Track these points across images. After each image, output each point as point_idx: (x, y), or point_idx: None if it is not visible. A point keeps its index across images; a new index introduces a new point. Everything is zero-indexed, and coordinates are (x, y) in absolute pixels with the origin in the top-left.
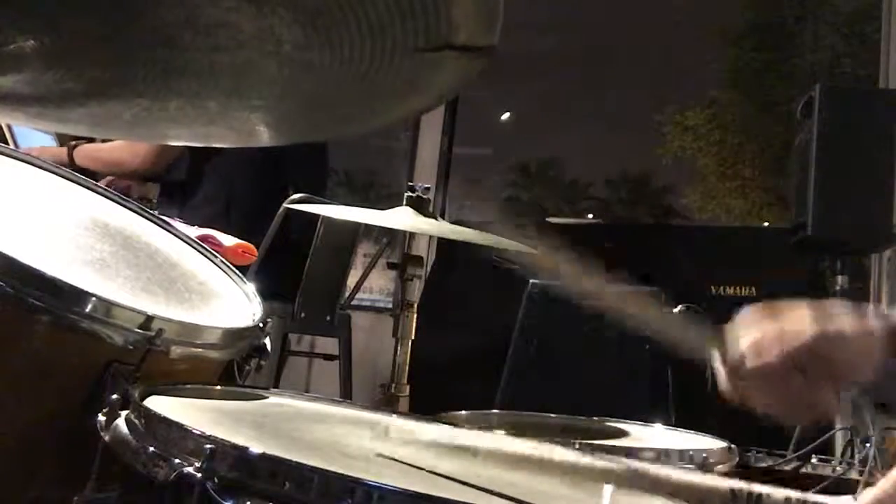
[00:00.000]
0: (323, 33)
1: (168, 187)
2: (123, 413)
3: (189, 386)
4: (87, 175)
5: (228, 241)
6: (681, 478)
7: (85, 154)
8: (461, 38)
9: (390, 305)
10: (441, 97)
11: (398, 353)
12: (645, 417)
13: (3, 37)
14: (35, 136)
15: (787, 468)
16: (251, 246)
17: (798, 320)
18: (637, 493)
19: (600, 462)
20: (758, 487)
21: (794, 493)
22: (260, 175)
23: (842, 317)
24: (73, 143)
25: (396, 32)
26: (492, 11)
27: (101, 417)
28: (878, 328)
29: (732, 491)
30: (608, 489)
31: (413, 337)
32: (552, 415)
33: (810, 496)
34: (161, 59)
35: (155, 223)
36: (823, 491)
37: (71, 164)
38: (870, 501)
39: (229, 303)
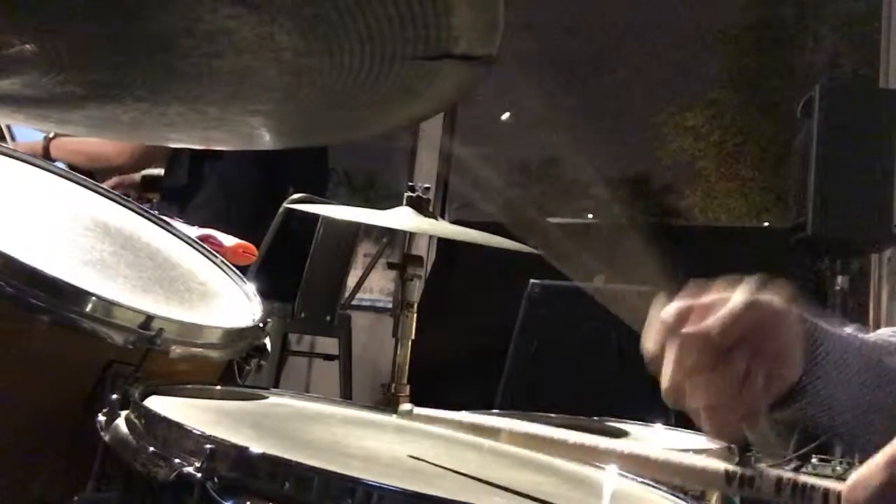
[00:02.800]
0: (322, 40)
1: (169, 187)
2: (123, 413)
3: (189, 386)
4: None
5: (228, 241)
6: (677, 460)
7: (63, 147)
8: (460, 47)
9: (390, 305)
10: (440, 105)
11: (398, 353)
12: (645, 417)
13: (4, 40)
14: (36, 137)
15: (788, 468)
16: (251, 246)
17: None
18: (633, 476)
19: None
20: (750, 471)
21: (786, 474)
22: (261, 175)
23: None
24: (50, 136)
25: (396, 40)
26: (492, 21)
27: (101, 417)
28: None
29: (727, 472)
30: (608, 489)
31: (413, 337)
32: (552, 415)
33: (802, 477)
34: (161, 64)
35: (155, 223)
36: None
37: (46, 157)
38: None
39: (229, 303)
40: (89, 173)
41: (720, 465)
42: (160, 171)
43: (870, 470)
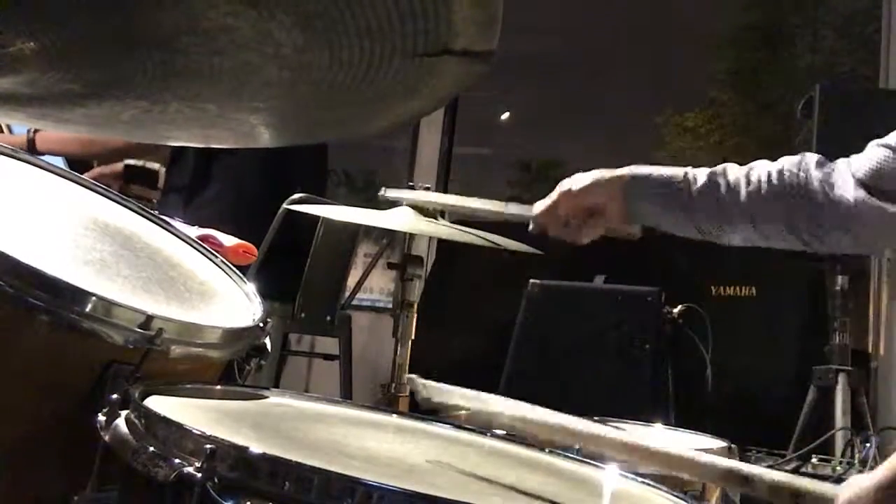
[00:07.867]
0: (322, 37)
1: (172, 187)
2: (123, 413)
3: (189, 386)
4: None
5: (228, 241)
6: (677, 453)
7: (51, 139)
8: (460, 43)
9: (390, 305)
10: (439, 102)
11: (398, 353)
12: (645, 417)
13: (4, 38)
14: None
15: (787, 468)
16: (251, 246)
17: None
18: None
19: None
20: (748, 468)
21: (783, 476)
22: (268, 175)
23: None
24: (33, 129)
25: (395, 36)
26: (491, 17)
27: (101, 417)
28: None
29: (727, 468)
30: (608, 489)
31: (413, 337)
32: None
33: (797, 479)
34: (160, 62)
35: (155, 223)
36: None
37: (32, 150)
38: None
39: (229, 303)
40: (82, 163)
41: (720, 461)
42: (147, 163)
43: (865, 490)
